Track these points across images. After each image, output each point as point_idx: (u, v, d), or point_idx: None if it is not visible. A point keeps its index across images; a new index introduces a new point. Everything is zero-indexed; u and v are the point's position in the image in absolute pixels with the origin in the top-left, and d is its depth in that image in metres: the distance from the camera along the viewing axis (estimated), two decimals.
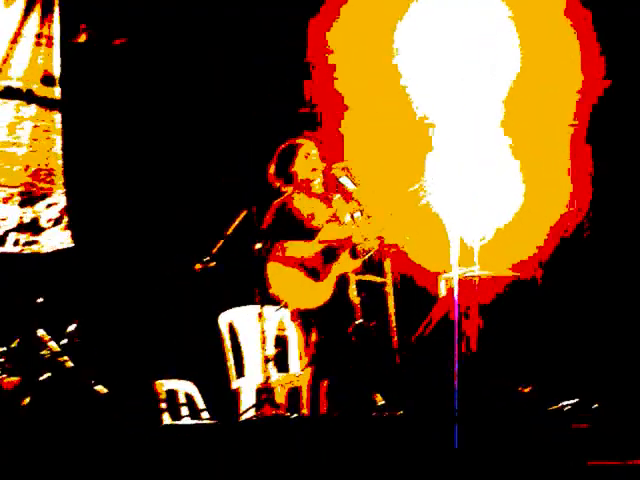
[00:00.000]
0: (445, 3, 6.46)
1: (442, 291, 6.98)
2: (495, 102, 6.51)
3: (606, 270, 7.47)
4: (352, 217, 6.45)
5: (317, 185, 6.48)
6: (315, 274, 6.35)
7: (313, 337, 6.40)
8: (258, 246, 6.33)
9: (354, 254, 6.34)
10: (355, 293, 6.43)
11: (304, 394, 6.44)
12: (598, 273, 7.49)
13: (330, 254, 6.36)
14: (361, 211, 6.50)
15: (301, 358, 6.54)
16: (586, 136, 7.28)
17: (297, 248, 6.37)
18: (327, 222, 6.42)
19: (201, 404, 7.33)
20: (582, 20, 6.82)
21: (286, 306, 6.32)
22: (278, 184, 6.53)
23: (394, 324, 6.53)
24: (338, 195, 6.52)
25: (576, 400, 5.90)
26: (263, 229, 6.38)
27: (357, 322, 6.35)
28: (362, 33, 7.83)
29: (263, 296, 6.37)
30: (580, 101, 7.03)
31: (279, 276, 6.33)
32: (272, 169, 6.52)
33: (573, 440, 5.19)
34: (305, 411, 6.34)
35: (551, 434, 5.26)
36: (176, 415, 7.15)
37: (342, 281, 6.37)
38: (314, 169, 6.47)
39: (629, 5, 7.28)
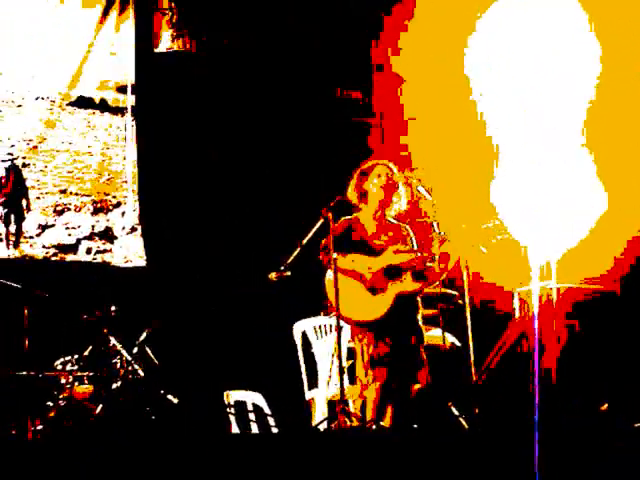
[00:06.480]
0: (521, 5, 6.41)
1: (517, 307, 6.90)
2: (575, 110, 6.43)
3: None
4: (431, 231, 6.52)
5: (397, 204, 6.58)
6: (374, 289, 6.41)
7: (371, 350, 6.38)
8: (324, 256, 6.38)
9: (416, 277, 6.41)
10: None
11: (369, 407, 6.38)
12: None
13: (393, 273, 6.41)
14: (436, 222, 6.52)
15: (365, 371, 6.50)
16: None
17: (361, 262, 6.43)
18: (392, 243, 6.50)
19: (270, 415, 7.29)
20: None
21: (336, 314, 6.31)
22: (355, 201, 6.66)
23: (471, 339, 6.52)
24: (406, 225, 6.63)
25: None
26: (330, 241, 6.40)
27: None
28: (428, 45, 7.83)
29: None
30: None
31: (340, 287, 6.34)
32: (350, 187, 6.67)
33: None
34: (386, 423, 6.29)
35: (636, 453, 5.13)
36: (244, 425, 7.12)
37: (400, 298, 6.38)
38: (382, 187, 6.57)
39: None
